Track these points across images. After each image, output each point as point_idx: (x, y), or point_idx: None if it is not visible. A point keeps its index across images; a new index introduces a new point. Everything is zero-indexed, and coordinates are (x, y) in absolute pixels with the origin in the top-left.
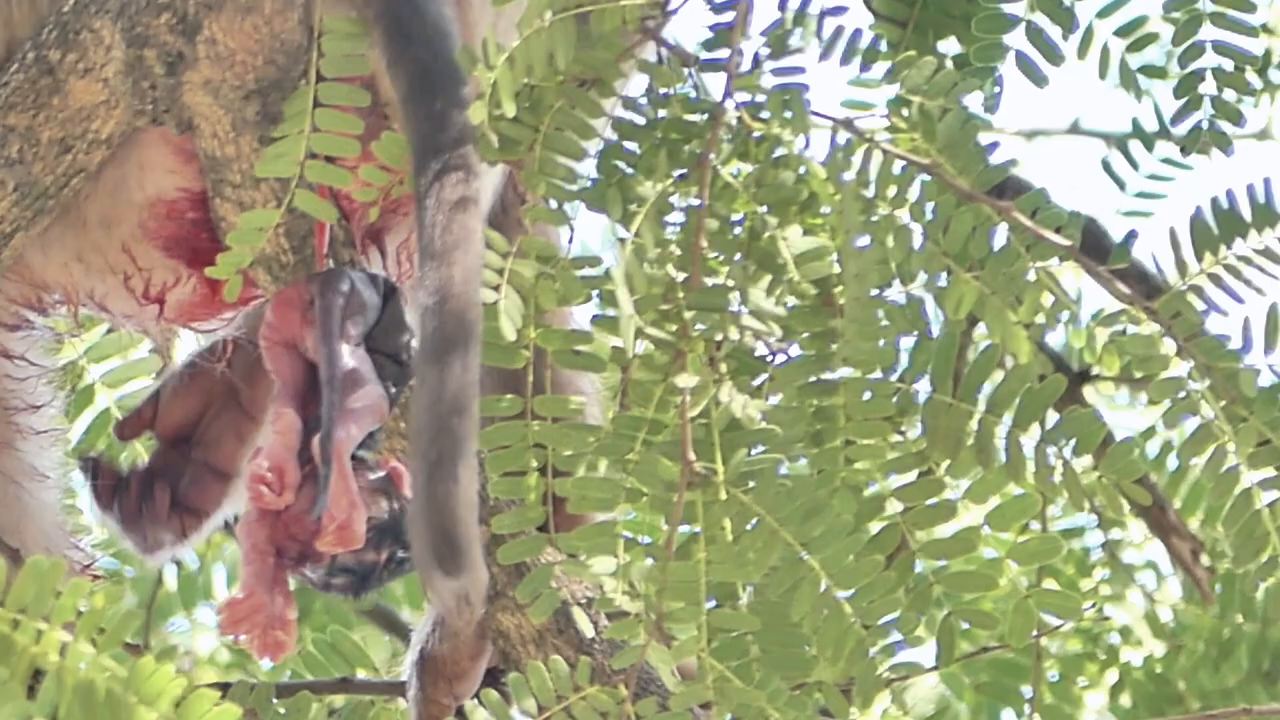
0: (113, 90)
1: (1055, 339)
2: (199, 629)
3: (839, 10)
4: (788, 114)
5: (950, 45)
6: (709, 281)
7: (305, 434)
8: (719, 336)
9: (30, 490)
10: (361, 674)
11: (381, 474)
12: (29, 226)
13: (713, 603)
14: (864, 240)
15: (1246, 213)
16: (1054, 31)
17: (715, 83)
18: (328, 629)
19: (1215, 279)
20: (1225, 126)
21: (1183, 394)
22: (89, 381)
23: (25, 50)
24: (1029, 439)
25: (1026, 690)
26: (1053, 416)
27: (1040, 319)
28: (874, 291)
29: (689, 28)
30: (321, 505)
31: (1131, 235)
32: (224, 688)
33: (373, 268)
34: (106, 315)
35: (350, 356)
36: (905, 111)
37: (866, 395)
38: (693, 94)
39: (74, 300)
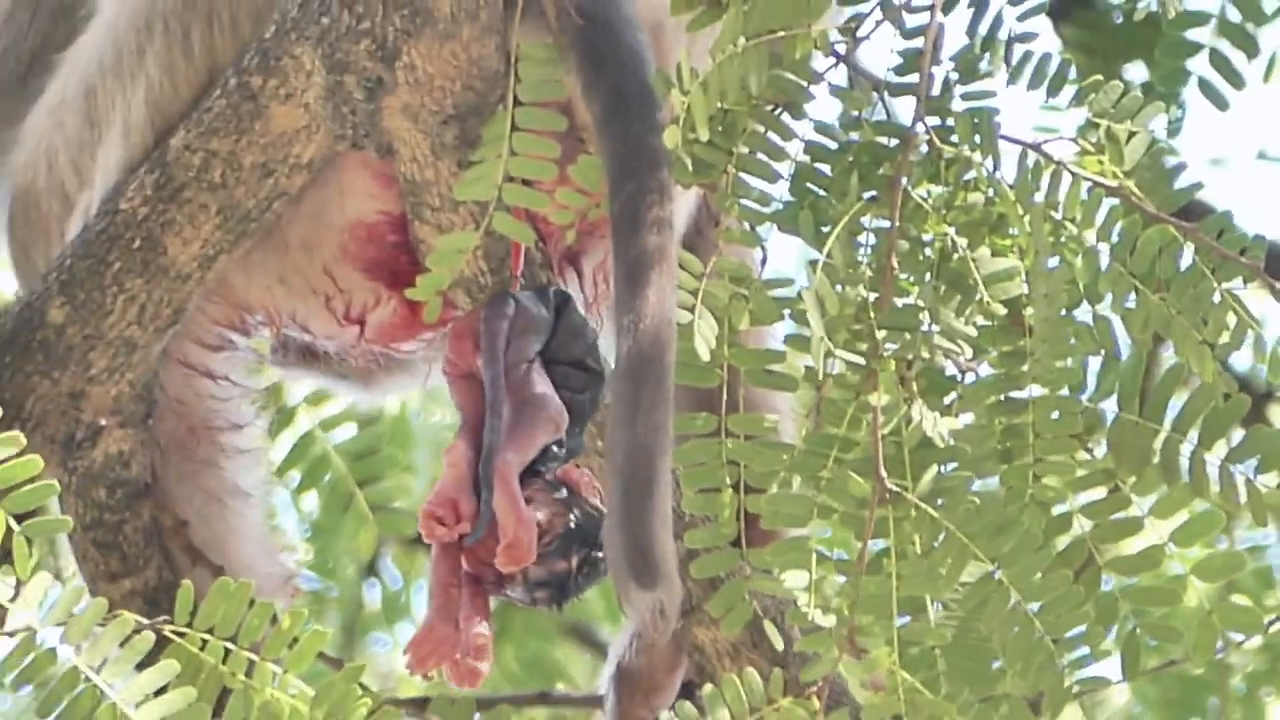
0: (313, 115)
1: (1240, 360)
2: (400, 647)
3: (1028, 36)
4: (977, 137)
5: (1136, 71)
6: (900, 302)
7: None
8: (910, 356)
9: (234, 508)
10: (560, 688)
11: (560, 486)
12: (232, 249)
13: (904, 617)
14: (1053, 261)
15: None
16: (1237, 57)
17: (905, 107)
18: (528, 645)
19: None
20: None
21: None
22: (292, 403)
23: (228, 77)
24: (1214, 457)
25: (1213, 702)
26: (1237, 435)
27: (1225, 339)
28: (1062, 311)
29: (879, 53)
30: (481, 528)
31: None
32: (423, 702)
33: (570, 289)
34: (308, 337)
35: (527, 373)
36: (1093, 135)
37: (1055, 414)
38: (883, 118)
39: (276, 322)
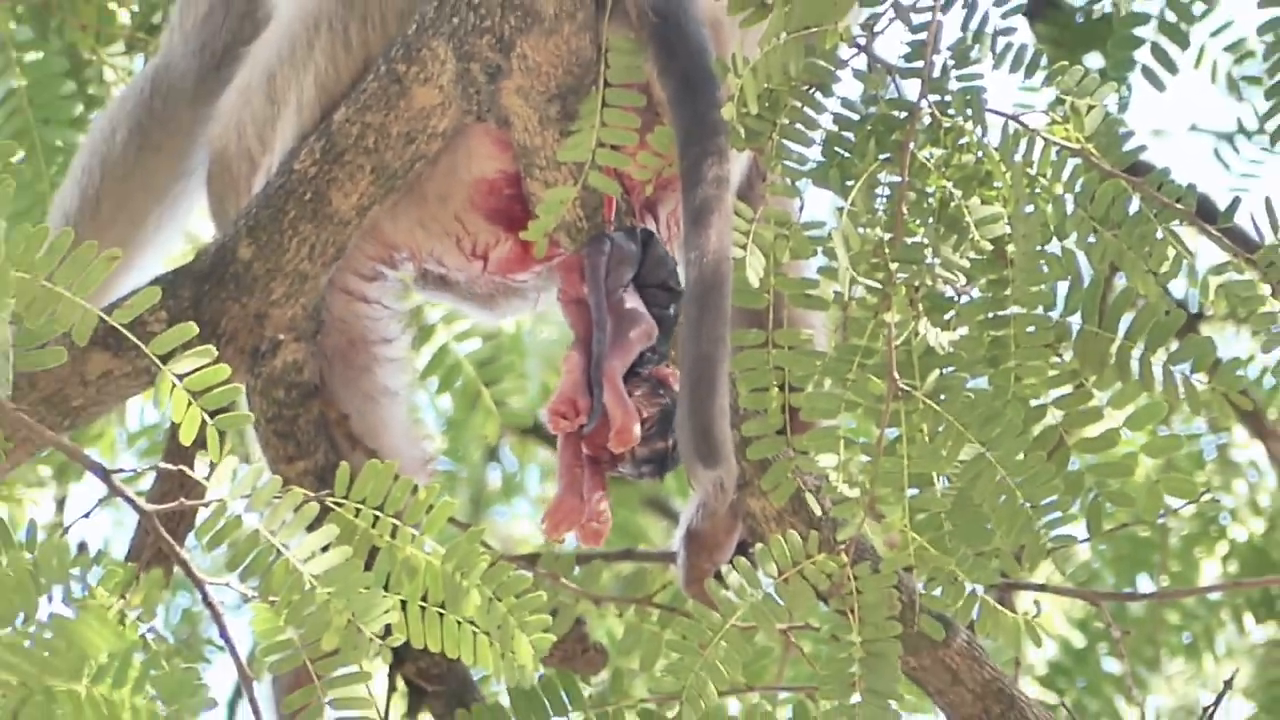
0: (446, 95)
1: (1177, 285)
2: (515, 517)
3: (1009, 30)
4: (969, 110)
5: (1094, 60)
6: (909, 240)
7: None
8: (917, 283)
9: (385, 405)
10: (642, 547)
11: (655, 382)
12: (382, 200)
13: (914, 489)
14: (1029, 208)
15: None
16: (1172, 49)
17: (912, 87)
18: (617, 513)
19: None
20: None
21: (1276, 328)
22: (430, 322)
23: (379, 64)
24: (1157, 360)
25: (1156, 559)
26: (1175, 343)
27: (1165, 268)
28: (1036, 247)
29: (892, 44)
30: (595, 418)
31: (1235, 201)
32: (534, 558)
33: (650, 229)
34: (443, 269)
35: (623, 296)
36: (1060, 109)
37: (1031, 328)
38: (895, 95)
39: (418, 257)
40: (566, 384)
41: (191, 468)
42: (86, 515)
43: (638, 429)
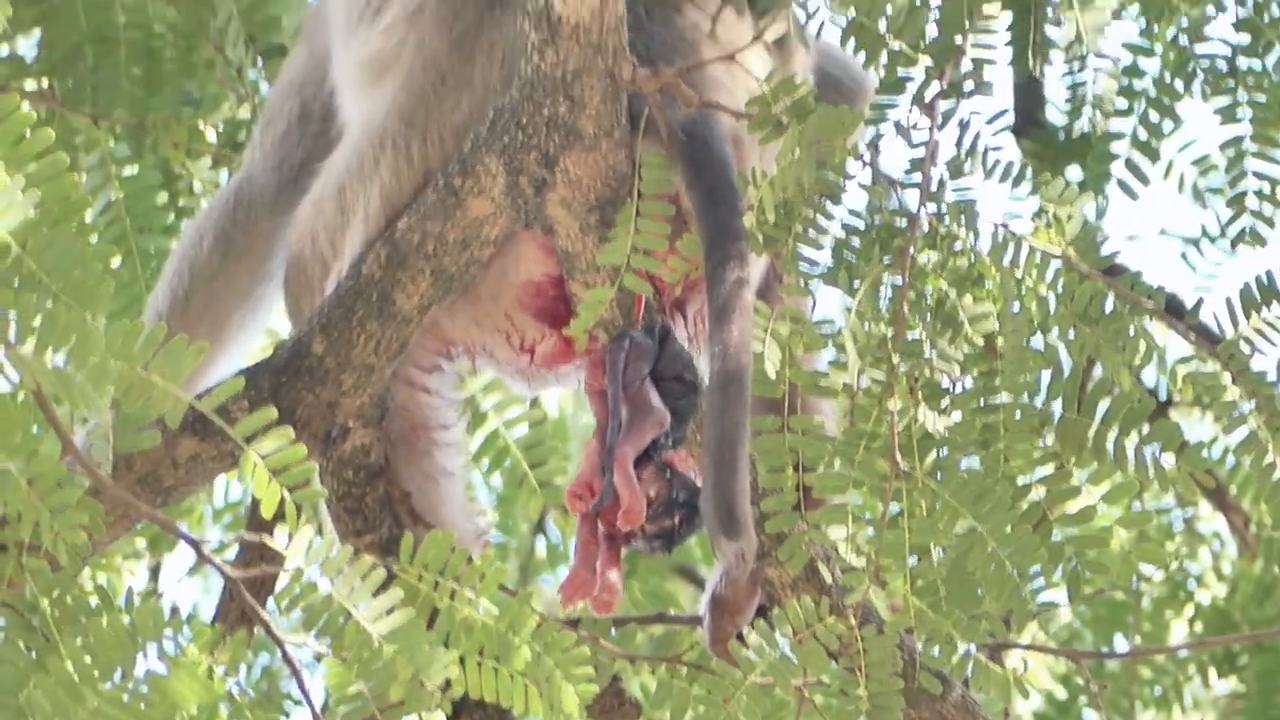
0: (498, 205)
1: (1148, 375)
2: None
3: (998, 149)
4: (963, 219)
5: (1074, 171)
6: (909, 336)
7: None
8: (917, 374)
9: (443, 484)
10: (672, 611)
11: (665, 466)
12: (440, 300)
13: (913, 559)
14: (1016, 306)
15: None
16: (1144, 163)
17: (912, 197)
18: (649, 580)
19: (1259, 331)
20: (1262, 228)
21: (1237, 413)
22: (483, 409)
23: (437, 178)
24: (1130, 443)
25: (1130, 620)
26: (1146, 428)
27: (1138, 360)
28: (1023, 341)
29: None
30: (605, 499)
31: (1200, 301)
32: (576, 622)
33: (676, 327)
34: (493, 361)
35: (640, 388)
36: (1044, 217)
37: (1018, 414)
38: (896, 205)
39: (471, 351)
40: (585, 469)
41: (271, 538)
42: (181, 579)
43: (643, 508)
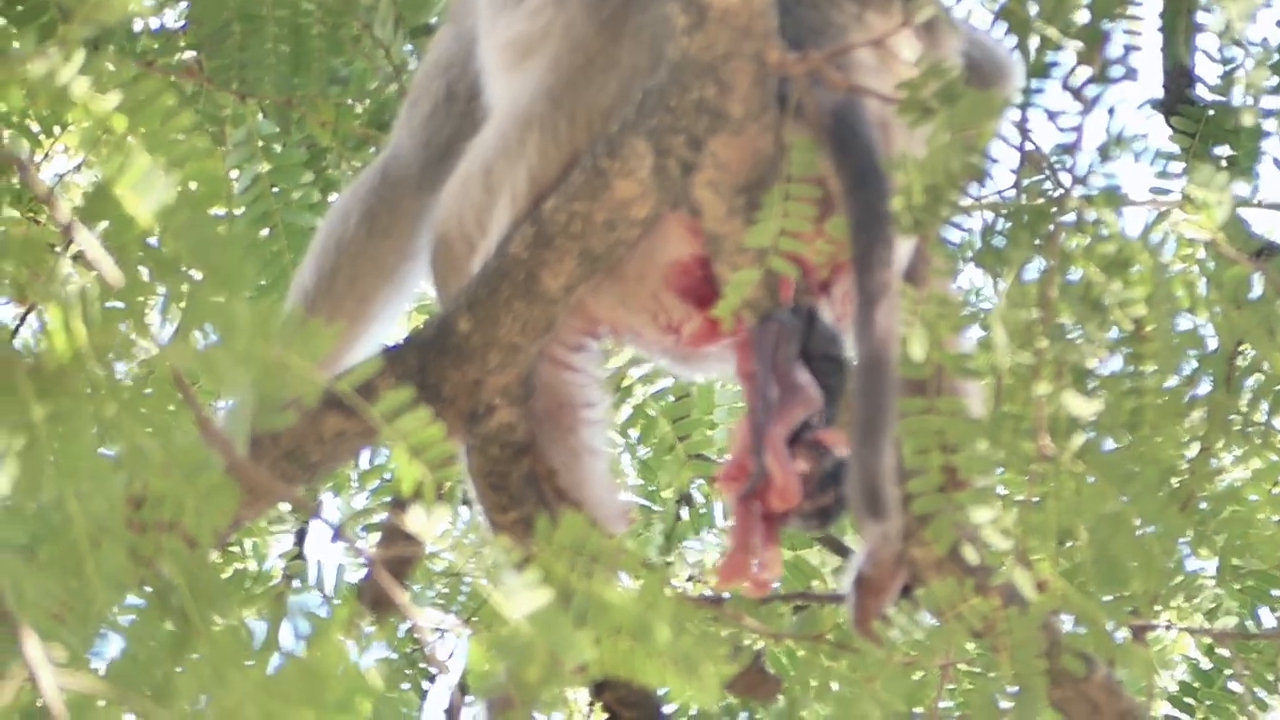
0: (645, 186)
1: None
2: (707, 549)
3: (1144, 135)
4: (1111, 204)
5: (1223, 149)
6: (1057, 319)
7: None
8: (1064, 357)
9: (587, 461)
10: (815, 585)
11: (818, 445)
12: (586, 280)
13: (1059, 541)
14: (1164, 290)
15: None
16: None
17: (1060, 181)
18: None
19: None
20: None
21: None
22: (629, 382)
23: (585, 158)
24: (1278, 423)
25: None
26: None
27: None
28: (1171, 325)
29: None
30: (758, 479)
31: None
32: (718, 600)
33: (822, 309)
34: (639, 341)
35: (790, 368)
36: (1193, 201)
37: (1166, 397)
38: (1046, 190)
39: (618, 331)
40: (737, 450)
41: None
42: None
43: (798, 488)
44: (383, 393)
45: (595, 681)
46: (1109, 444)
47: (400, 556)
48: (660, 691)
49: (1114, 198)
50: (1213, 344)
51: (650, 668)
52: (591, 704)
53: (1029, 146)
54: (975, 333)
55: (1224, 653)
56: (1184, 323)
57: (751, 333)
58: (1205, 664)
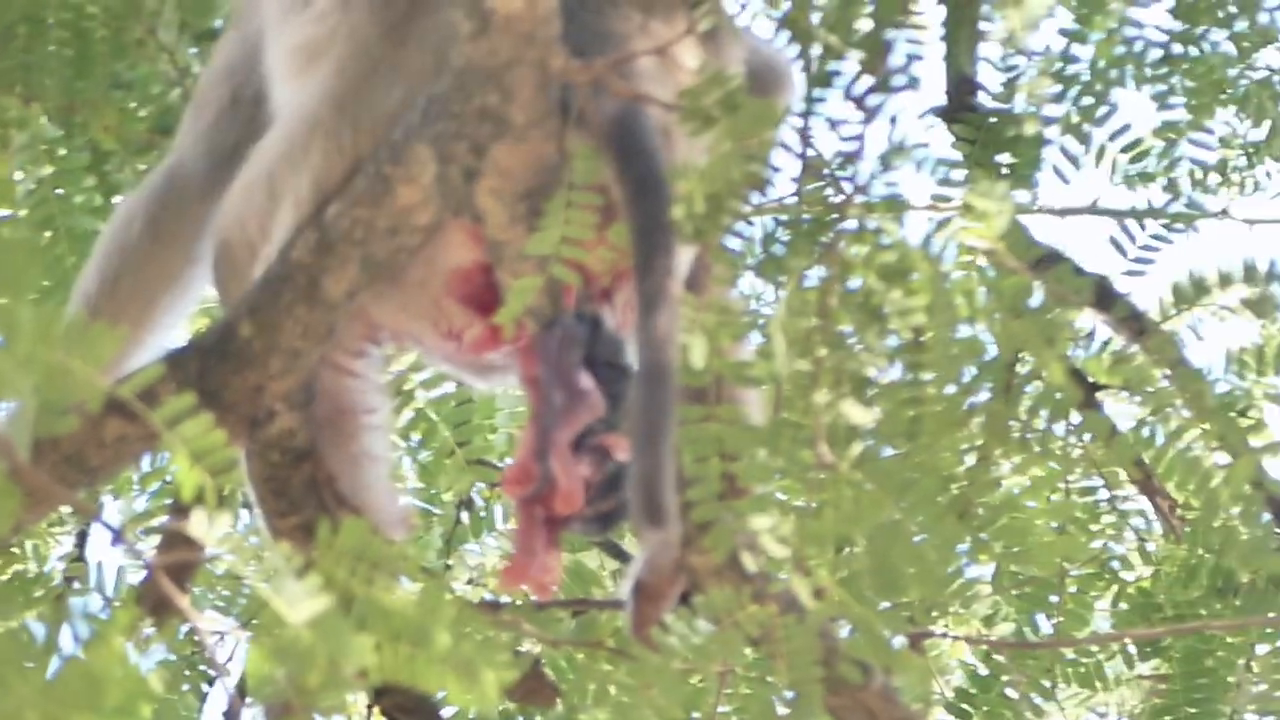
0: (427, 193)
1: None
2: (487, 552)
3: (925, 145)
4: (891, 212)
5: (1004, 157)
6: (837, 327)
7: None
8: (843, 365)
9: (368, 467)
10: (595, 591)
11: (601, 450)
12: (368, 286)
13: (837, 549)
14: (944, 299)
15: (1214, 280)
16: (1076, 149)
17: (840, 190)
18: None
19: (1190, 326)
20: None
21: (1167, 409)
22: (410, 387)
23: (368, 165)
24: (1057, 433)
25: (1053, 598)
26: (1075, 416)
27: (1065, 349)
28: (950, 334)
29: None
30: (544, 484)
31: (1128, 294)
32: (497, 605)
33: (605, 316)
34: (420, 347)
35: (573, 374)
36: (973, 210)
37: (944, 404)
38: (827, 197)
39: (399, 337)
40: (522, 454)
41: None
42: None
43: (581, 493)
44: (164, 398)
45: (375, 687)
46: (888, 452)
47: (181, 561)
48: (439, 695)
49: (895, 204)
50: (992, 352)
51: (430, 673)
52: (370, 709)
53: (810, 154)
54: (755, 340)
55: (1001, 659)
56: (963, 331)
57: (537, 337)
58: (982, 670)
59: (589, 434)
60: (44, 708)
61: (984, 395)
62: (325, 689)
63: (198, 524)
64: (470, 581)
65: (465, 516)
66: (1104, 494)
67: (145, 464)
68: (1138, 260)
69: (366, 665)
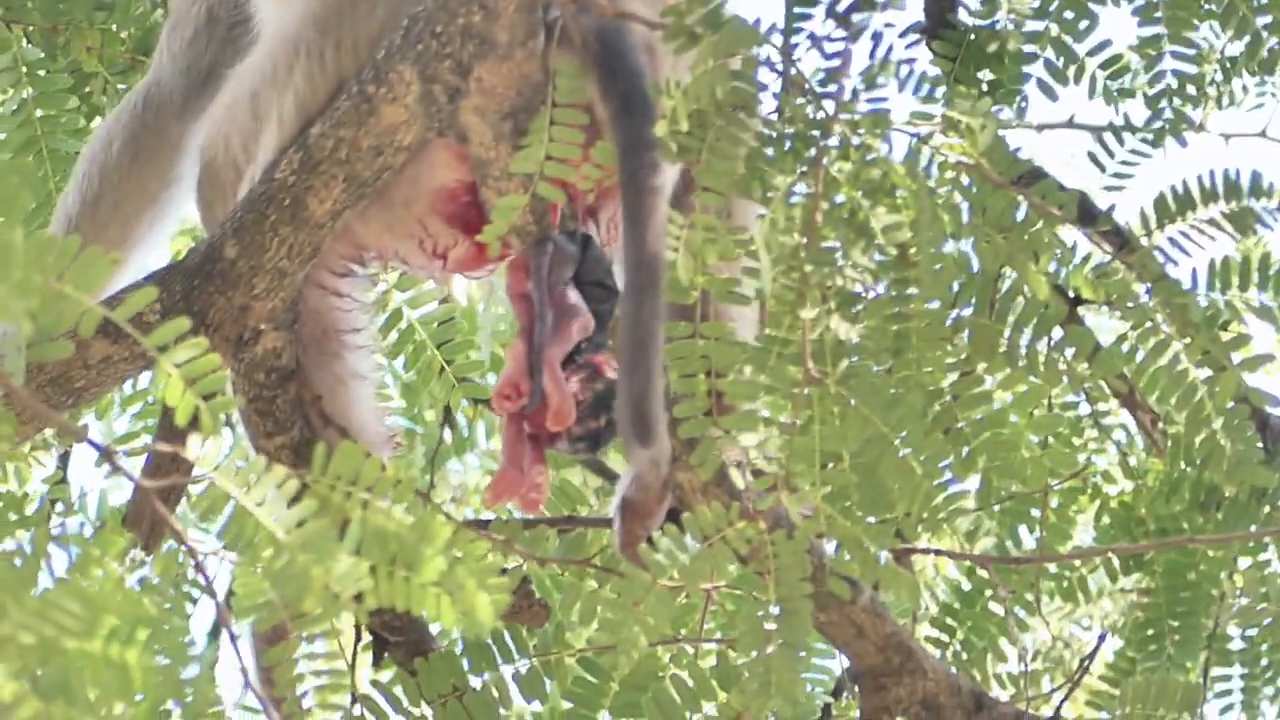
0: (411, 113)
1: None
2: (469, 471)
3: (911, 61)
4: (876, 129)
5: (985, 73)
6: (822, 245)
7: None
8: (829, 282)
9: (353, 387)
10: (582, 511)
11: (590, 368)
12: (353, 206)
13: (825, 465)
14: (929, 215)
15: (1195, 194)
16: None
17: (825, 108)
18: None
19: (1172, 240)
20: (1180, 123)
21: (1149, 323)
22: (396, 305)
23: (351, 85)
24: (1042, 348)
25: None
26: (1059, 332)
27: (1049, 265)
28: (936, 250)
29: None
30: (535, 400)
31: (1111, 208)
32: (485, 523)
33: (590, 233)
34: (406, 266)
35: (563, 292)
36: (956, 127)
37: (929, 320)
38: (810, 115)
39: (384, 256)
40: (511, 369)
41: (183, 444)
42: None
43: (572, 410)
44: (148, 318)
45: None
46: (874, 368)
47: (171, 484)
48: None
49: (879, 120)
50: (976, 268)
51: (426, 597)
52: (358, 628)
53: (793, 72)
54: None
55: (984, 574)
56: (948, 247)
57: (528, 254)
58: (966, 585)
59: (577, 352)
60: (39, 630)
61: (968, 310)
62: (321, 613)
63: (193, 447)
64: (453, 499)
65: (448, 435)
66: (1086, 409)
67: (128, 385)
68: (1116, 175)
69: (363, 589)
